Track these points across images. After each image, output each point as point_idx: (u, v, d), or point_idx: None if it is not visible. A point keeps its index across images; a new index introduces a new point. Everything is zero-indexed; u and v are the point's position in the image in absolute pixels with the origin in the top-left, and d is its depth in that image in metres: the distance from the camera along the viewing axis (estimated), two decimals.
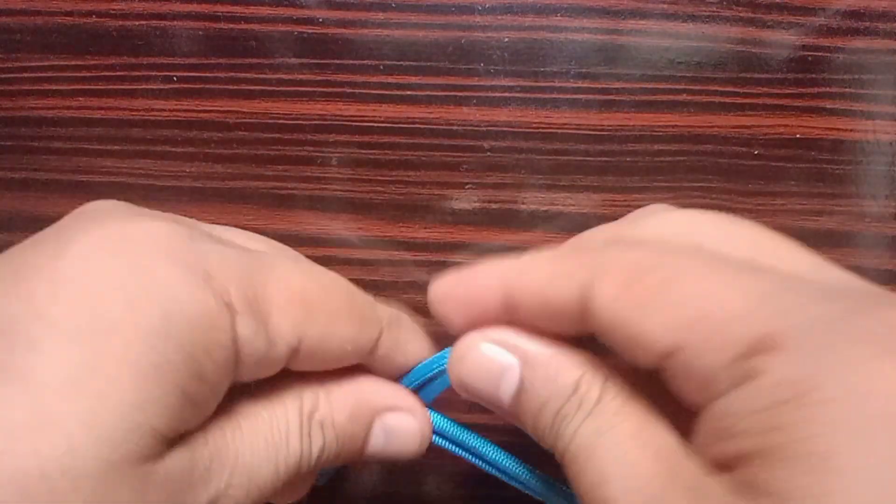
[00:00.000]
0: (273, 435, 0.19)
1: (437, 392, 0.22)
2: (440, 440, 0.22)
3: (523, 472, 0.21)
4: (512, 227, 0.28)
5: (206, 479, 0.17)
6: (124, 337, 0.16)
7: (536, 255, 0.19)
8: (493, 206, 0.28)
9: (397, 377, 0.22)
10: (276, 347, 0.19)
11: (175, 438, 0.17)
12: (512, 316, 0.19)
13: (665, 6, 0.27)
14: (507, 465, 0.21)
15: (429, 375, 0.22)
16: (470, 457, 0.22)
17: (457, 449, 0.22)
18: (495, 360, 0.19)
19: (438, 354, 0.22)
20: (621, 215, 0.28)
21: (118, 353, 0.16)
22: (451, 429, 0.22)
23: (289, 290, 0.19)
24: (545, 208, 0.28)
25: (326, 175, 0.28)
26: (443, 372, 0.21)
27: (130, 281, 0.16)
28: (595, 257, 0.17)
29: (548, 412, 0.18)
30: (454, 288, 0.20)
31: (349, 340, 0.20)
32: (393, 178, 0.28)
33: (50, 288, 0.16)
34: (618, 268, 0.17)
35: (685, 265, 0.16)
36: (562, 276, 0.18)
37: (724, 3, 0.27)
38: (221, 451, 0.18)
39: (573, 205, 0.28)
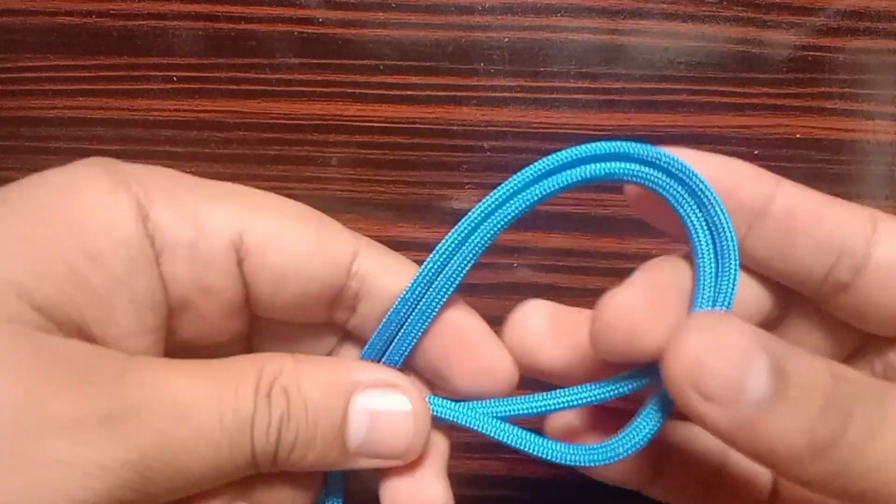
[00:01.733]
0: (220, 381, 0.16)
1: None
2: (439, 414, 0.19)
3: (531, 439, 0.18)
4: (512, 227, 0.28)
5: (110, 384, 0.15)
6: (8, 208, 0.16)
7: None
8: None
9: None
10: (210, 240, 0.17)
11: (72, 328, 0.16)
12: None
13: (665, 6, 0.27)
14: (513, 434, 0.19)
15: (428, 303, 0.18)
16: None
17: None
18: (738, 338, 0.15)
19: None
20: (621, 215, 0.28)
21: (3, 217, 0.16)
22: (452, 409, 0.19)
23: (228, 188, 0.18)
24: (546, 208, 0.28)
25: (326, 175, 0.28)
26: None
27: (39, 176, 0.17)
28: None
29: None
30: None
31: (310, 241, 0.18)
32: (393, 178, 0.28)
33: None
34: None
35: None
36: (848, 205, 0.18)
37: (724, 3, 0.27)
38: (142, 371, 0.16)
39: (574, 205, 0.28)
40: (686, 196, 0.18)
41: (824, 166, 0.28)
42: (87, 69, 0.27)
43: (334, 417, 0.17)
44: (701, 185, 0.17)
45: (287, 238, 0.18)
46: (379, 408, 0.18)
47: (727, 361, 0.15)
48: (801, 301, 0.19)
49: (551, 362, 0.19)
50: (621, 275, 0.21)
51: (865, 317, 0.17)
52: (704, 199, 0.17)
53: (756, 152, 0.28)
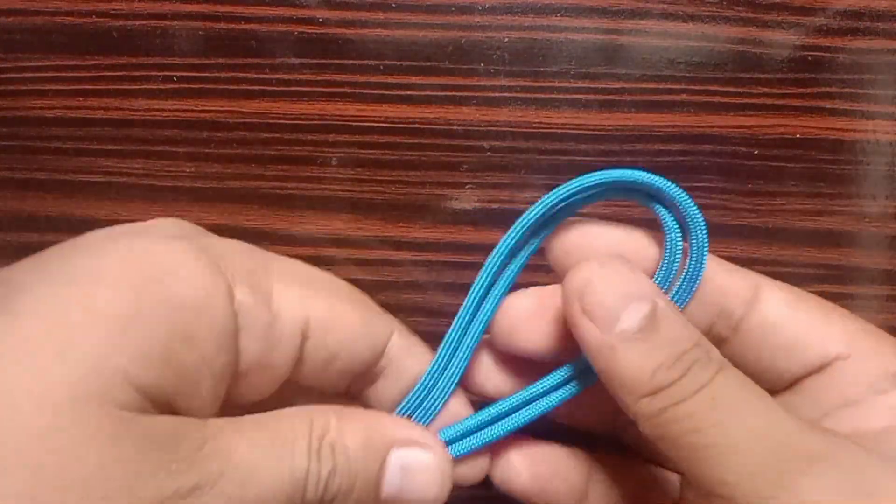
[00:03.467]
0: (278, 441, 0.18)
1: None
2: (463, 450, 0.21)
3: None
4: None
5: (194, 457, 0.16)
6: (109, 286, 0.16)
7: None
8: (493, 206, 0.28)
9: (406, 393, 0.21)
10: (282, 322, 0.19)
11: (163, 404, 0.17)
12: None
13: (665, 6, 0.27)
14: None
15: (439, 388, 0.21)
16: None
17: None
18: (632, 283, 0.18)
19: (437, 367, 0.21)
20: (621, 215, 0.28)
21: (101, 297, 0.16)
22: (466, 431, 0.21)
23: (292, 269, 0.20)
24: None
25: (326, 175, 0.28)
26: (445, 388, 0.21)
27: (125, 248, 0.17)
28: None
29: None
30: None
31: (360, 325, 0.20)
32: (393, 178, 0.28)
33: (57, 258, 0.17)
34: (781, 285, 0.20)
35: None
36: (736, 271, 0.20)
37: (724, 2, 0.27)
38: (217, 437, 0.17)
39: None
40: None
41: (824, 166, 0.28)
42: (87, 69, 0.27)
43: (372, 471, 0.19)
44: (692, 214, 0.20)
45: (343, 321, 0.20)
46: (409, 461, 0.20)
47: (614, 291, 0.18)
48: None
49: (538, 339, 0.21)
50: None
51: (745, 369, 0.19)
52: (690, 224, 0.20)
53: (756, 152, 0.28)
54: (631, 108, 0.27)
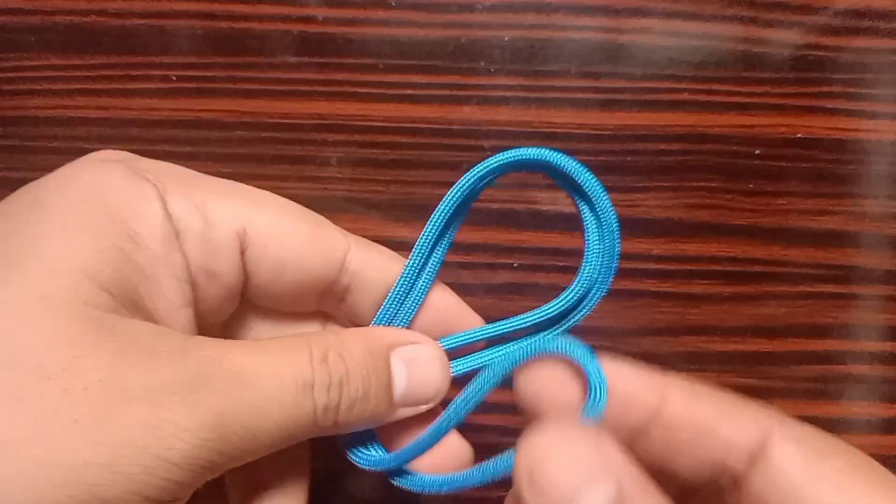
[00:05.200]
0: (275, 353, 0.18)
1: None
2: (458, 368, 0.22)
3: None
4: (512, 227, 0.28)
5: (178, 357, 0.16)
6: (51, 206, 0.17)
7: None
8: (494, 206, 0.28)
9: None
10: (217, 229, 0.19)
11: (132, 306, 0.17)
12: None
13: (666, 5, 0.27)
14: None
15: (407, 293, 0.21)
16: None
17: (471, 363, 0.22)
18: (592, 460, 0.15)
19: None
20: (622, 215, 0.28)
21: (45, 215, 0.17)
22: (459, 340, 0.22)
23: (231, 186, 0.20)
24: (545, 208, 0.28)
25: (326, 175, 0.28)
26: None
27: (62, 176, 0.19)
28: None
29: None
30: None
31: (307, 237, 0.20)
32: (393, 178, 0.28)
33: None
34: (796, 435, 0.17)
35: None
36: (742, 416, 0.17)
37: (726, 2, 0.27)
38: (203, 346, 0.17)
39: (574, 205, 0.28)
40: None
41: (826, 166, 0.28)
42: (87, 69, 0.27)
43: (383, 373, 0.20)
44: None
45: (286, 232, 0.20)
46: (410, 355, 0.21)
47: (570, 470, 0.14)
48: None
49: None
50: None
51: None
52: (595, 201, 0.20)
53: (757, 152, 0.28)
54: (632, 107, 0.27)
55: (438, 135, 0.27)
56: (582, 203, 0.21)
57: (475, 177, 0.20)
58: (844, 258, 0.28)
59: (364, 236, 0.28)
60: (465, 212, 0.21)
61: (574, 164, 0.20)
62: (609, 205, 0.20)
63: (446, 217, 0.21)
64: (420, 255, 0.21)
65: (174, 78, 0.27)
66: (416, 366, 0.21)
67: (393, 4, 0.27)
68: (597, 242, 0.21)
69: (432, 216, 0.21)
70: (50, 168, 0.29)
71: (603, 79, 0.27)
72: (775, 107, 0.27)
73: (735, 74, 0.27)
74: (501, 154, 0.20)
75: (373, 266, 0.21)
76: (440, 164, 0.28)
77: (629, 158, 0.28)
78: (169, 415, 0.16)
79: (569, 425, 0.16)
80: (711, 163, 0.28)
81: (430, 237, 0.21)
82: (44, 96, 0.28)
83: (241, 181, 0.28)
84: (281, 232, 0.20)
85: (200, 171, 0.28)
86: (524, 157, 0.20)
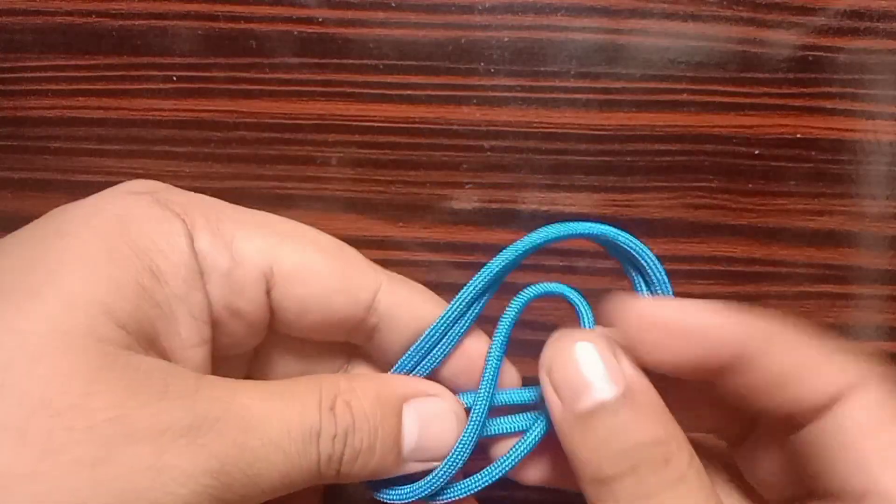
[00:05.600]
0: (286, 397, 0.18)
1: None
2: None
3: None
4: (512, 227, 0.28)
5: (187, 398, 0.16)
6: (76, 236, 0.17)
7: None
8: (493, 206, 0.28)
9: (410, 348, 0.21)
10: (244, 268, 0.19)
11: (147, 343, 0.17)
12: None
13: (665, 6, 0.27)
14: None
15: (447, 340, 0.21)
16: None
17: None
18: (602, 365, 0.18)
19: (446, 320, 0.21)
20: (622, 215, 0.28)
21: (70, 245, 0.17)
22: (478, 398, 0.21)
23: (260, 220, 0.20)
24: (545, 208, 0.28)
25: (326, 175, 0.28)
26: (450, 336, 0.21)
27: (90, 206, 0.18)
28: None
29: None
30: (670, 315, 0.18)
31: (334, 278, 0.20)
32: (393, 178, 0.28)
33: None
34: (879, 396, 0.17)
35: None
36: (836, 359, 0.18)
37: (725, 2, 0.27)
38: (214, 386, 0.17)
39: (573, 205, 0.28)
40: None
41: (825, 166, 0.28)
42: (87, 69, 0.27)
43: (392, 426, 0.19)
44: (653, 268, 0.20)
45: (313, 272, 0.20)
46: (424, 410, 0.20)
47: (582, 370, 0.18)
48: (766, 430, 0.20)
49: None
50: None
51: (803, 465, 0.18)
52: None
53: (756, 152, 0.28)
54: (631, 107, 0.27)
55: (438, 135, 0.27)
56: (637, 276, 0.20)
57: (533, 243, 0.20)
58: (844, 258, 0.28)
59: (364, 236, 0.28)
60: (510, 271, 0.21)
61: (635, 242, 0.20)
62: (666, 282, 0.20)
63: (496, 271, 0.20)
64: (461, 302, 0.20)
65: (175, 78, 0.27)
66: (430, 420, 0.20)
67: (393, 5, 0.27)
68: None
69: (486, 267, 0.20)
70: (50, 168, 0.29)
71: (602, 79, 0.27)
72: (774, 107, 0.27)
73: (734, 75, 0.27)
74: (564, 226, 0.20)
75: (403, 307, 0.21)
76: (440, 164, 0.28)
77: (629, 159, 0.28)
78: (173, 459, 0.15)
79: (585, 332, 0.19)
80: (711, 163, 0.28)
81: (475, 287, 0.20)
82: (44, 96, 0.28)
83: (241, 181, 0.28)
84: (307, 272, 0.20)
85: (201, 172, 0.28)
86: (587, 232, 0.20)
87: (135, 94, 0.27)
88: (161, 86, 0.27)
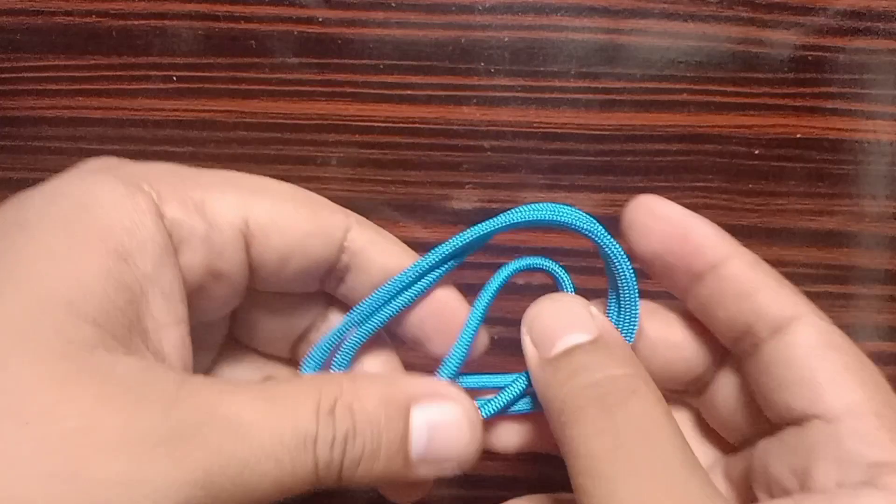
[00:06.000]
0: (278, 402, 0.17)
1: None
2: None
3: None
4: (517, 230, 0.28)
5: (168, 402, 0.15)
6: (33, 227, 0.16)
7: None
8: (493, 206, 0.28)
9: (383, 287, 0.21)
10: (220, 229, 0.18)
11: (123, 337, 0.16)
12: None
13: (665, 6, 0.27)
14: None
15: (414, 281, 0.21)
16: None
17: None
18: (575, 317, 0.19)
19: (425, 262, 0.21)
20: (621, 216, 0.28)
21: (26, 238, 0.16)
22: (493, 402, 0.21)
23: (225, 177, 0.20)
24: None
25: (326, 175, 0.28)
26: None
27: (48, 192, 0.18)
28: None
29: None
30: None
31: (307, 221, 0.20)
32: (393, 178, 0.28)
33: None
34: (819, 325, 0.20)
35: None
36: (784, 295, 0.20)
37: (725, 2, 0.27)
38: (199, 391, 0.16)
39: (573, 205, 0.28)
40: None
41: (824, 166, 0.28)
42: (87, 69, 0.27)
43: (397, 430, 0.18)
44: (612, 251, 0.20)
45: (287, 220, 0.19)
46: (437, 418, 0.18)
47: (557, 322, 0.19)
48: (730, 368, 0.21)
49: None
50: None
51: (756, 394, 0.20)
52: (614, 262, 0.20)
53: (756, 152, 0.28)
54: (631, 107, 0.27)
55: (438, 135, 0.27)
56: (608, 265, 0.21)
57: (518, 218, 0.20)
58: (844, 258, 0.28)
59: None
60: (490, 237, 0.21)
61: (592, 223, 0.20)
62: (633, 278, 0.20)
63: (478, 235, 0.21)
64: (437, 255, 0.21)
65: (175, 78, 0.27)
66: (442, 426, 0.19)
67: (393, 5, 0.27)
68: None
69: (468, 230, 0.21)
70: (50, 168, 0.29)
71: (602, 79, 0.27)
72: (774, 107, 0.27)
73: (734, 75, 0.27)
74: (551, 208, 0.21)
75: (374, 247, 0.21)
76: (440, 165, 0.28)
77: (628, 159, 0.28)
78: (149, 472, 0.14)
79: (563, 293, 0.20)
80: (710, 163, 0.28)
81: (454, 245, 0.21)
82: (44, 96, 0.28)
83: None
84: (282, 220, 0.19)
85: None
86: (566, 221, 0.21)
87: (135, 94, 0.27)
88: (161, 86, 0.27)
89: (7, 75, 0.27)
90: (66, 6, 0.27)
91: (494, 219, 0.20)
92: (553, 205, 0.20)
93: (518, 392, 0.21)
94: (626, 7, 0.27)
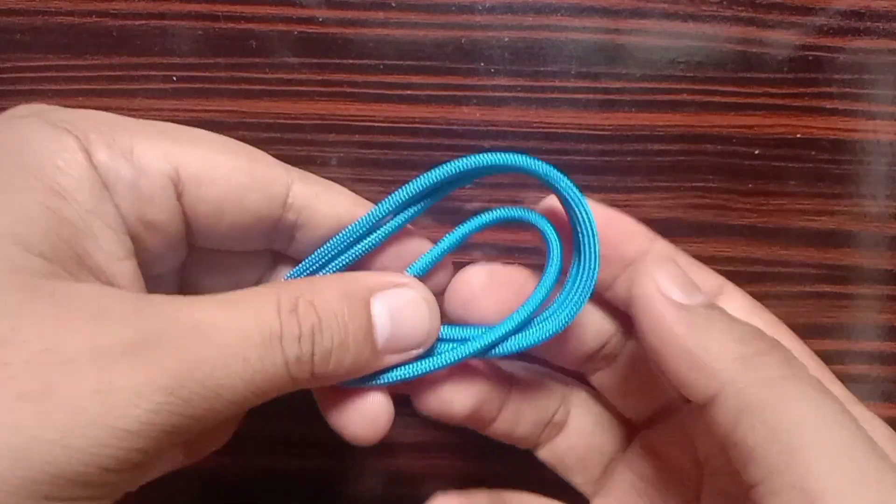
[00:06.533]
0: (238, 305, 0.17)
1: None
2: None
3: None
4: (512, 227, 0.28)
5: (129, 315, 0.15)
6: None
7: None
8: (493, 206, 0.28)
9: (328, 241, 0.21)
10: (149, 176, 0.18)
11: (74, 267, 0.16)
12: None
13: (665, 6, 0.27)
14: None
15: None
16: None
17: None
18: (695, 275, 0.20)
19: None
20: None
21: None
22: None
23: (157, 127, 0.19)
24: None
25: (326, 175, 0.28)
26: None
27: None
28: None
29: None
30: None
31: (243, 173, 0.19)
32: (393, 178, 0.28)
33: None
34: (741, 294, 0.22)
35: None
36: (701, 272, 0.22)
37: (725, 2, 0.27)
38: (158, 303, 0.16)
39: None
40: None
41: (825, 166, 0.28)
42: (87, 69, 0.27)
43: (361, 320, 0.19)
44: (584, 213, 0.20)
45: (221, 171, 0.19)
46: (396, 304, 0.19)
47: (686, 275, 0.19)
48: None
49: (485, 313, 0.21)
50: None
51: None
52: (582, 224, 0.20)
53: (756, 152, 0.28)
54: (631, 107, 0.27)
55: (438, 135, 0.27)
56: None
57: (474, 164, 0.20)
58: (844, 258, 0.28)
59: None
60: (446, 187, 0.21)
61: (545, 167, 0.20)
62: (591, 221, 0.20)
63: (432, 182, 0.20)
64: (392, 202, 0.20)
65: (175, 78, 0.27)
66: (401, 309, 0.19)
67: (393, 5, 0.27)
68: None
69: (423, 176, 0.20)
70: None
71: (602, 79, 0.27)
72: (774, 107, 0.27)
73: (734, 75, 0.27)
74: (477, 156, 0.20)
75: (320, 200, 0.20)
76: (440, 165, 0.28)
77: (628, 159, 0.28)
78: (119, 379, 0.14)
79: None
80: (710, 163, 0.28)
81: (407, 192, 0.20)
82: (44, 97, 0.28)
83: None
84: (215, 171, 0.19)
85: None
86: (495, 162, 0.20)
87: (135, 95, 0.27)
88: (161, 86, 0.27)
89: (7, 75, 0.27)
90: (66, 6, 0.27)
91: (452, 162, 0.20)
92: (515, 154, 0.20)
93: (490, 340, 0.21)
94: (626, 7, 0.27)
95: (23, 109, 0.19)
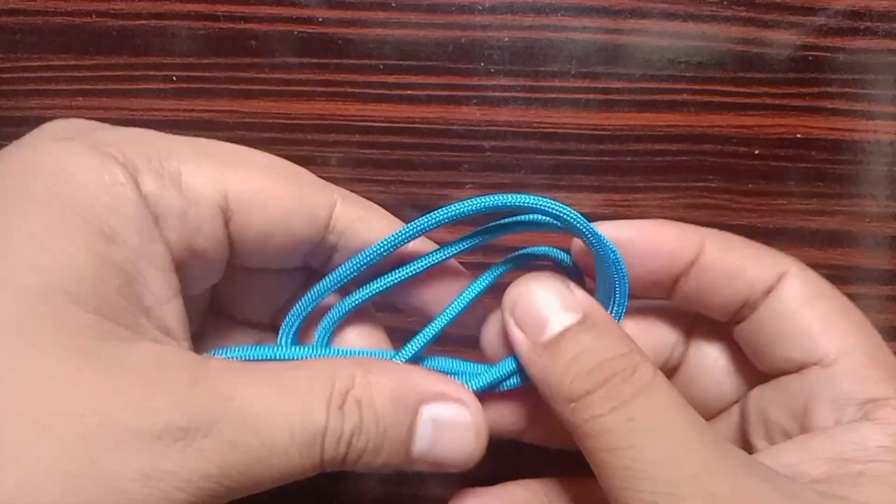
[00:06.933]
0: (292, 393, 0.17)
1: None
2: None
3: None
4: (512, 228, 0.28)
5: (184, 394, 0.15)
6: (8, 211, 0.16)
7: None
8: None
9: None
10: (198, 204, 0.18)
11: (126, 317, 0.16)
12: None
13: (665, 6, 0.27)
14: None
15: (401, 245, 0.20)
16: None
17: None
18: (561, 296, 0.19)
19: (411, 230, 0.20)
20: (621, 215, 0.28)
21: (13, 224, 0.15)
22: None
23: (203, 148, 0.19)
24: None
25: (326, 175, 0.27)
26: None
27: (17, 163, 0.16)
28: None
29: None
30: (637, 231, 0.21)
31: (290, 199, 0.19)
32: (393, 178, 0.28)
33: None
34: (807, 277, 0.21)
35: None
36: (764, 259, 0.21)
37: (725, 2, 0.27)
38: (215, 378, 0.16)
39: (573, 205, 0.27)
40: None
41: (825, 166, 0.28)
42: (87, 69, 0.27)
43: (403, 427, 0.18)
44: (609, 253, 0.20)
45: (269, 196, 0.19)
46: (442, 415, 0.18)
47: (543, 302, 0.19)
48: (706, 337, 0.23)
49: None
50: None
51: (756, 350, 0.21)
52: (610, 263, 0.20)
53: (756, 152, 0.28)
54: (631, 107, 0.27)
55: (438, 135, 0.27)
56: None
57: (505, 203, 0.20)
58: (844, 258, 0.28)
59: None
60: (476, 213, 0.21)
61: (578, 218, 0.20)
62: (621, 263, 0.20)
63: (466, 210, 0.20)
64: (419, 227, 0.20)
65: (175, 78, 0.27)
66: (447, 430, 0.18)
67: (393, 5, 0.27)
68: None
69: (455, 205, 0.20)
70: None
71: (602, 79, 0.27)
72: (774, 107, 0.27)
73: (734, 75, 0.27)
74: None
75: (363, 223, 0.20)
76: (440, 164, 0.28)
77: (628, 159, 0.28)
78: (168, 465, 0.14)
79: (539, 273, 0.20)
80: (710, 163, 0.28)
81: (437, 218, 0.20)
82: (44, 96, 0.28)
83: None
84: (264, 197, 0.18)
85: None
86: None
87: (135, 95, 0.27)
88: (161, 86, 0.27)
89: (7, 75, 0.27)
90: (66, 6, 0.27)
91: (481, 198, 0.20)
92: (546, 199, 0.20)
93: (509, 370, 0.21)
94: (626, 7, 0.27)
95: (62, 128, 0.18)
